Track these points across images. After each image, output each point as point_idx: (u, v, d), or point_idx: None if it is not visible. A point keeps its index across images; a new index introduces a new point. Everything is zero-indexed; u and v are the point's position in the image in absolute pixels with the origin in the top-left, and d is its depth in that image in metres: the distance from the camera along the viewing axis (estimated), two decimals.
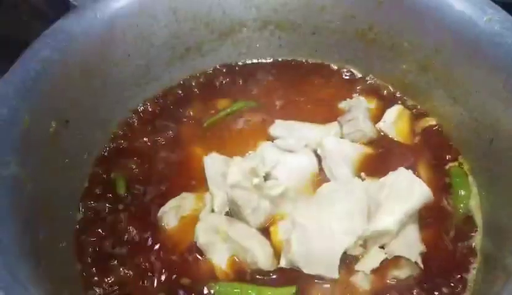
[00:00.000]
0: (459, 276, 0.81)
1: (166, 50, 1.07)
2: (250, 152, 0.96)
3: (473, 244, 0.85)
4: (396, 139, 0.99)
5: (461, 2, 0.89)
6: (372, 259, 0.79)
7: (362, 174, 0.92)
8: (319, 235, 0.79)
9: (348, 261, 0.80)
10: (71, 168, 0.89)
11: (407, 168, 0.87)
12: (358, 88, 1.09)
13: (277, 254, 0.82)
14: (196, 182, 0.92)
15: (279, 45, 1.16)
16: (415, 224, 0.83)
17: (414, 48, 1.00)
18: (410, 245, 0.80)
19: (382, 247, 0.80)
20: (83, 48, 0.90)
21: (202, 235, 0.82)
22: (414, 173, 0.87)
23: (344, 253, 0.79)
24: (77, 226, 0.88)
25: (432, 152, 0.97)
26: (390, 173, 0.86)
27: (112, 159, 0.97)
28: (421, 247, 0.81)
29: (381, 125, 1.00)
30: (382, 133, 1.00)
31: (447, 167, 0.95)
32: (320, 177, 0.92)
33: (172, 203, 0.88)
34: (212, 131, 1.03)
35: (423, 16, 0.95)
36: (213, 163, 0.92)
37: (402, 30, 1.00)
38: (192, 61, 1.12)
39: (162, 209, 0.87)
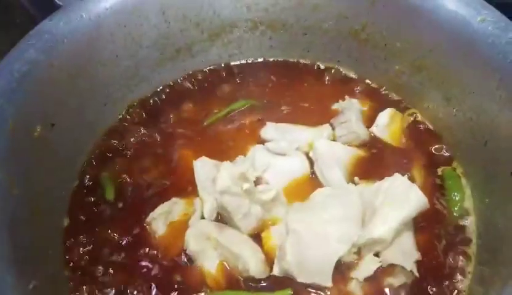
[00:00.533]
0: (454, 281, 0.80)
1: (155, 51, 1.06)
2: (240, 155, 0.93)
3: (467, 248, 0.84)
4: (389, 142, 0.98)
5: (455, 2, 0.88)
6: (366, 267, 0.78)
7: (356, 178, 0.90)
8: (313, 242, 0.77)
9: (341, 268, 0.78)
10: (58, 172, 0.87)
11: (401, 171, 0.86)
12: (351, 89, 1.08)
13: (269, 261, 0.80)
14: (186, 185, 0.90)
15: (270, 45, 1.14)
16: (410, 231, 0.82)
17: (407, 49, 0.99)
18: (405, 253, 0.79)
19: (376, 254, 0.79)
20: (69, 49, 0.88)
21: (192, 242, 0.80)
22: (408, 176, 0.86)
23: (338, 260, 0.77)
24: (65, 232, 0.86)
25: (426, 154, 0.96)
26: (386, 178, 0.84)
27: (100, 163, 0.95)
28: (417, 255, 0.79)
29: (374, 129, 0.99)
30: (375, 136, 0.98)
31: (440, 169, 0.94)
32: (313, 181, 0.90)
33: (161, 209, 0.86)
34: (202, 134, 1.01)
35: (415, 17, 0.94)
36: (203, 166, 0.90)
37: (395, 30, 0.99)
38: (183, 62, 1.11)
39: (151, 214, 0.85)
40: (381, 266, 0.78)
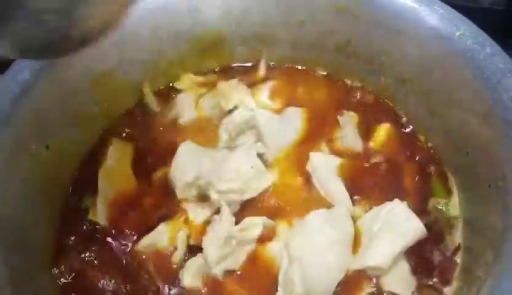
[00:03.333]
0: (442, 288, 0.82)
1: (148, 67, 1.08)
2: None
3: (455, 257, 0.86)
4: (384, 155, 0.99)
5: (435, 18, 0.90)
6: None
7: (356, 197, 0.91)
8: (316, 270, 0.78)
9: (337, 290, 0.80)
10: (51, 191, 0.90)
11: (395, 184, 0.90)
12: (348, 101, 1.09)
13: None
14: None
15: (259, 59, 1.17)
16: (404, 257, 0.83)
17: (391, 62, 1.01)
18: (403, 281, 0.81)
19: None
20: (62, 69, 0.90)
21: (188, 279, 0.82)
22: (402, 185, 0.90)
23: None
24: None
25: (418, 164, 0.98)
26: (385, 203, 0.86)
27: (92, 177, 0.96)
28: (414, 283, 0.81)
29: (371, 144, 1.01)
30: (370, 149, 1.00)
31: (430, 178, 0.96)
32: (311, 195, 0.92)
33: (146, 241, 0.86)
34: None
35: (396, 31, 0.96)
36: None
37: (378, 44, 1.01)
38: (175, 77, 1.13)
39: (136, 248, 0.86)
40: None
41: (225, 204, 0.85)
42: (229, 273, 0.83)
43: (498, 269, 0.65)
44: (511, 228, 0.68)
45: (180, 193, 0.90)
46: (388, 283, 0.80)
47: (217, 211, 0.87)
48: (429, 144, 1.01)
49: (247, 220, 0.85)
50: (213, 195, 0.86)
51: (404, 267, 0.82)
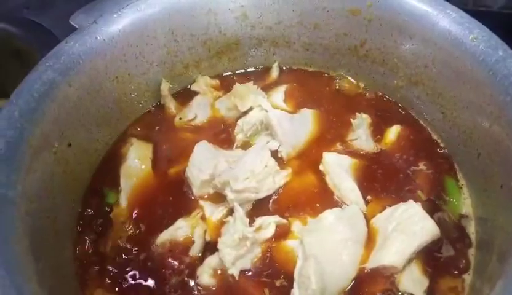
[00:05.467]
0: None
1: (165, 68, 1.11)
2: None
3: (467, 256, 0.87)
4: (396, 156, 1.00)
5: (448, 21, 0.92)
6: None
7: (369, 197, 0.92)
8: (331, 267, 0.80)
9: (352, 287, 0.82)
10: (73, 186, 0.93)
11: (408, 185, 0.91)
12: (361, 102, 1.11)
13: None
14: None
15: (274, 61, 1.20)
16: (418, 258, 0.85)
17: (404, 64, 1.04)
18: (415, 281, 0.82)
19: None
20: (84, 69, 0.94)
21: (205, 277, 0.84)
22: (414, 185, 0.91)
23: None
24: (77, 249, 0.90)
25: (430, 164, 0.99)
26: (400, 204, 0.88)
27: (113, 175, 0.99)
28: (426, 283, 0.82)
29: (383, 145, 1.02)
30: (383, 150, 1.01)
31: (443, 177, 0.97)
32: (325, 194, 0.94)
33: (164, 236, 0.88)
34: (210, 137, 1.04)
35: (410, 34, 0.99)
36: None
37: (391, 47, 1.04)
38: (191, 78, 1.16)
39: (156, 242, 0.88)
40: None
41: (238, 206, 0.87)
42: (245, 271, 0.85)
43: (511, 268, 0.66)
44: None
45: (196, 191, 0.93)
46: (401, 282, 0.82)
47: (232, 211, 0.89)
48: (442, 145, 1.02)
49: (260, 220, 0.87)
50: (230, 195, 0.88)
51: (417, 266, 0.84)
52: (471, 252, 0.87)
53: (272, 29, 1.14)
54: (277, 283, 0.83)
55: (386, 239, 0.84)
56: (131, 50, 1.02)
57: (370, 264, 0.82)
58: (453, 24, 0.91)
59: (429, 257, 0.85)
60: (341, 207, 0.91)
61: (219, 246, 0.83)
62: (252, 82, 1.10)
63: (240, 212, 0.85)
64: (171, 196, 0.95)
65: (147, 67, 1.07)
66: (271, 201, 0.93)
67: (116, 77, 1.01)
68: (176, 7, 1.06)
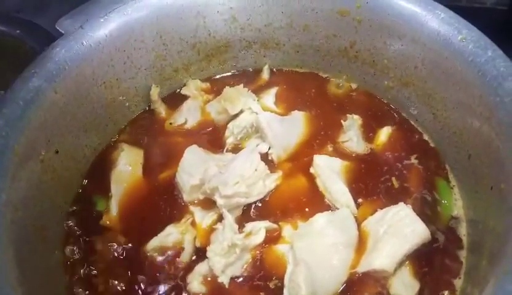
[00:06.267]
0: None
1: (154, 72, 1.10)
2: None
3: (459, 259, 0.86)
4: (387, 157, 1.00)
5: (437, 22, 0.91)
6: None
7: (360, 200, 0.92)
8: (321, 271, 0.80)
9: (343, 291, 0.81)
10: (61, 193, 0.92)
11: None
12: (352, 104, 1.11)
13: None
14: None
15: (264, 63, 1.19)
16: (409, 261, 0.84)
17: (394, 65, 1.03)
18: (406, 284, 0.81)
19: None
20: (71, 76, 0.92)
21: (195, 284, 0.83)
22: (405, 186, 0.91)
23: None
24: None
25: (421, 165, 0.98)
26: (391, 207, 0.87)
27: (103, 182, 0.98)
28: (417, 287, 0.82)
29: (374, 147, 1.01)
30: (374, 152, 1.01)
31: (434, 178, 0.97)
32: (315, 197, 0.93)
33: (154, 242, 0.88)
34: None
35: (399, 35, 0.98)
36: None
37: (381, 48, 1.03)
38: (180, 81, 1.15)
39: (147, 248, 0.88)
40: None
41: (227, 213, 0.86)
42: (235, 278, 0.84)
43: (501, 271, 0.66)
44: None
45: (186, 196, 0.92)
46: (392, 285, 0.81)
47: (222, 217, 0.88)
48: (432, 145, 1.02)
49: (250, 225, 0.87)
50: (219, 201, 0.88)
51: (408, 269, 0.83)
52: (463, 254, 0.87)
53: (262, 31, 1.13)
54: (271, 285, 0.83)
55: (377, 243, 0.83)
56: (118, 54, 1.01)
57: (361, 268, 0.82)
58: (442, 24, 0.90)
59: (421, 260, 0.84)
60: (332, 210, 0.90)
61: (208, 254, 0.83)
62: (242, 84, 1.09)
63: (229, 219, 0.85)
64: (162, 201, 0.94)
65: (135, 72, 1.06)
66: (261, 205, 0.92)
67: (104, 82, 1.00)
68: (163, 10, 1.04)
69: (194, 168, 0.93)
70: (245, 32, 1.14)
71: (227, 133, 1.03)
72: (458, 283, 0.84)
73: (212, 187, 0.88)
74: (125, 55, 1.03)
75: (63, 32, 0.96)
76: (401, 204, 0.87)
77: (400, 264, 0.82)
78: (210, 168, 0.91)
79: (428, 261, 0.85)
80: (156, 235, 0.88)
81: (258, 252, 0.85)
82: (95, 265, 0.87)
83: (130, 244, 0.89)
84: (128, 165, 0.98)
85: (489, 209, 0.82)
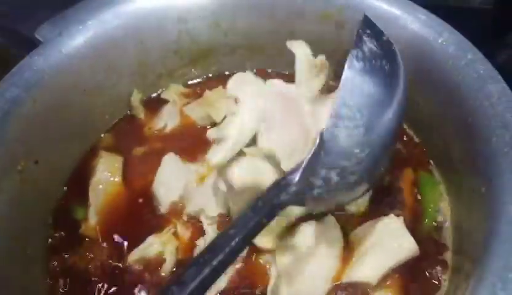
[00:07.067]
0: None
1: (137, 79, 1.09)
2: None
3: (444, 255, 0.86)
4: None
5: (417, 24, 0.91)
6: None
7: (348, 208, 0.90)
8: (303, 283, 0.79)
9: None
10: (41, 203, 0.91)
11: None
12: None
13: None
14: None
15: (249, 67, 1.18)
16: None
17: None
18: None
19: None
20: (50, 85, 0.92)
21: None
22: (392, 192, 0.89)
23: None
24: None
25: (408, 170, 0.96)
26: (381, 217, 0.85)
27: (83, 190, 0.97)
28: None
29: None
30: None
31: (420, 182, 0.95)
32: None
33: (136, 253, 0.87)
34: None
35: None
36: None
37: None
38: (164, 87, 1.15)
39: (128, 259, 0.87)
40: None
41: (209, 228, 0.85)
42: (221, 292, 0.83)
43: (477, 278, 0.65)
44: (492, 236, 0.68)
45: (164, 210, 0.91)
46: None
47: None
48: (416, 141, 1.01)
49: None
50: (205, 221, 0.87)
51: (393, 282, 0.81)
52: (448, 256, 0.86)
53: (246, 36, 1.12)
54: (257, 291, 0.82)
55: (363, 255, 0.81)
56: (99, 62, 1.00)
57: (345, 279, 0.80)
58: (422, 27, 0.90)
59: (406, 272, 0.82)
60: (317, 220, 0.87)
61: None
62: (221, 87, 1.06)
63: (210, 235, 0.84)
64: (143, 210, 0.93)
65: (117, 79, 1.05)
66: None
67: (84, 90, 0.99)
68: (144, 16, 1.04)
69: (172, 181, 0.92)
70: (228, 37, 1.13)
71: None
72: (446, 283, 0.83)
73: (196, 210, 0.88)
74: (106, 62, 1.02)
75: (41, 39, 0.95)
76: (391, 215, 0.85)
77: (385, 277, 0.80)
78: (190, 183, 0.90)
79: (413, 273, 0.83)
80: (137, 245, 0.87)
81: (241, 265, 0.84)
82: (76, 275, 0.86)
83: (109, 255, 0.88)
84: (107, 172, 0.97)
85: (471, 213, 0.81)
